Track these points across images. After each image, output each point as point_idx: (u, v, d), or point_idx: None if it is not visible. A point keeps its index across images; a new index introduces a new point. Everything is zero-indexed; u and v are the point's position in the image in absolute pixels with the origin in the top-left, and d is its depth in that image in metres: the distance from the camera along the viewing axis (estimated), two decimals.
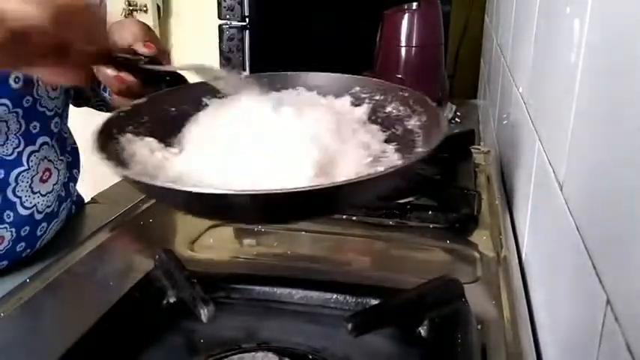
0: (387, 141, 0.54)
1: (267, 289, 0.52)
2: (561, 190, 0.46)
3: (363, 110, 0.58)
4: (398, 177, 0.45)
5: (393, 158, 0.51)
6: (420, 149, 0.51)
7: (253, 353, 0.46)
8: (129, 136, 0.52)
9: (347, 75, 0.62)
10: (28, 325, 0.51)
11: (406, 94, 0.57)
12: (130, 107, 0.55)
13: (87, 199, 0.93)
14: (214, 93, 0.61)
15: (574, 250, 0.40)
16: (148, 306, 0.50)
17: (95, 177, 1.09)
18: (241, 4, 1.51)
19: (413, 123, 0.56)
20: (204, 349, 0.47)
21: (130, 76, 0.64)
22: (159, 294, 0.51)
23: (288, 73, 0.64)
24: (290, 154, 0.47)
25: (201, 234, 0.67)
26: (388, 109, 0.59)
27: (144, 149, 0.50)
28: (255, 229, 0.69)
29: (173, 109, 0.58)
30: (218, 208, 0.45)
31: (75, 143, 0.83)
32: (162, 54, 0.66)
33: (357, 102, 0.60)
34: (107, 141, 0.49)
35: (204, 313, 0.46)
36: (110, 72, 0.63)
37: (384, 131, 0.56)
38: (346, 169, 0.47)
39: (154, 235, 0.69)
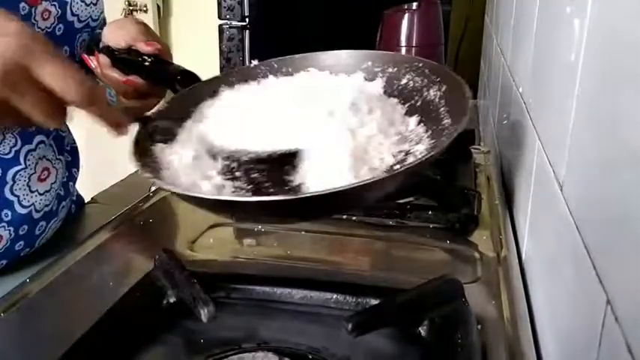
0: (407, 113, 0.54)
1: (267, 289, 0.52)
2: (561, 190, 0.46)
3: (378, 84, 0.58)
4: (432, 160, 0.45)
5: (418, 132, 0.51)
6: (446, 121, 0.51)
7: (253, 353, 0.46)
8: (160, 145, 0.52)
9: (357, 51, 0.62)
10: (28, 325, 0.51)
11: (420, 64, 0.56)
12: (154, 115, 0.55)
13: (87, 199, 0.93)
14: (230, 84, 0.60)
15: (574, 250, 0.40)
16: (148, 306, 0.50)
17: (95, 177, 1.09)
18: (241, 4, 1.52)
19: (433, 93, 0.54)
20: (204, 349, 0.47)
21: (138, 78, 0.63)
22: (159, 294, 0.51)
23: (297, 55, 0.63)
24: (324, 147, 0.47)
25: (201, 234, 0.67)
26: (403, 80, 0.58)
27: (175, 156, 0.50)
28: (255, 229, 0.69)
29: (194, 109, 0.57)
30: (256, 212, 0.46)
31: (74, 142, 0.83)
32: (165, 52, 0.66)
33: (370, 77, 0.59)
34: (143, 154, 0.50)
35: (204, 313, 0.46)
36: (117, 76, 0.63)
37: (403, 104, 0.55)
38: (378, 153, 0.47)
39: (153, 235, 0.69)
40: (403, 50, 1.27)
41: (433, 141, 0.49)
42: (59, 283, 0.57)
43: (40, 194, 0.72)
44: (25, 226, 0.71)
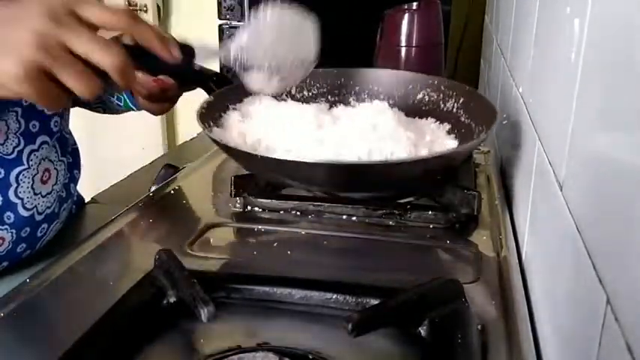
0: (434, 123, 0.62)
1: (267, 289, 0.52)
2: (561, 190, 0.46)
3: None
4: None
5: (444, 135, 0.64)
6: (478, 128, 0.58)
7: (253, 353, 0.45)
8: (230, 111, 0.65)
9: (370, 69, 0.69)
10: (28, 325, 0.51)
11: (435, 82, 0.61)
12: (213, 97, 0.67)
13: (87, 199, 0.93)
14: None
15: (574, 250, 0.40)
16: (148, 306, 0.50)
17: (95, 177, 1.09)
18: (241, 4, 1.51)
19: (450, 105, 0.60)
20: (204, 349, 0.47)
21: (169, 78, 0.64)
22: (159, 294, 0.50)
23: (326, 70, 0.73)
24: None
25: (201, 234, 0.67)
26: (419, 96, 0.63)
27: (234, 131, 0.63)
28: (255, 229, 0.69)
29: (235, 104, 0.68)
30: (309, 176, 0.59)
31: (75, 144, 0.83)
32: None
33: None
34: (210, 114, 0.63)
35: (204, 313, 0.46)
36: (143, 76, 0.63)
37: (421, 118, 0.62)
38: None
39: (153, 235, 0.69)
40: (403, 50, 1.27)
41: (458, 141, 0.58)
42: (59, 283, 0.57)
43: (43, 196, 0.72)
44: (27, 229, 0.70)
